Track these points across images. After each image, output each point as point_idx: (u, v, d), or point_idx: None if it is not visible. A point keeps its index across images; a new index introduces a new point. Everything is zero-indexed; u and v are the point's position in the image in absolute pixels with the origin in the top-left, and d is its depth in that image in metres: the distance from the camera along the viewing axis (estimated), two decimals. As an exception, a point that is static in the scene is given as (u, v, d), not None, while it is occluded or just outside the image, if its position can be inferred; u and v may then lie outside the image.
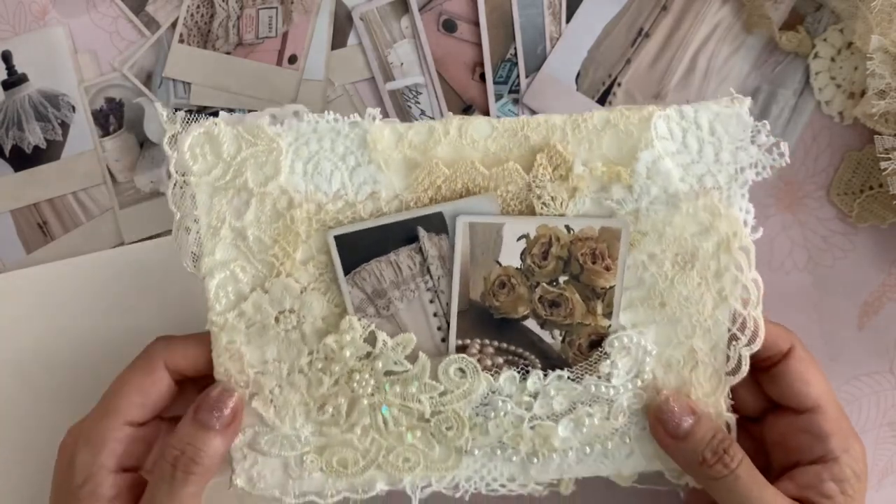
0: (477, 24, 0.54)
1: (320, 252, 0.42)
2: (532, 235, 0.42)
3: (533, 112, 0.54)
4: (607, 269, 0.42)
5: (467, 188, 0.42)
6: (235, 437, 0.42)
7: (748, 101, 0.42)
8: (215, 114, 0.43)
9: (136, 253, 0.54)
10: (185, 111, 0.42)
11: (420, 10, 0.53)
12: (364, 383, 0.42)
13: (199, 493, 0.41)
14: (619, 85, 0.54)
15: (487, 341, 0.43)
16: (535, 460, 0.43)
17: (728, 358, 0.43)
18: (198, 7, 0.54)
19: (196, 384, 0.43)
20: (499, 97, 0.54)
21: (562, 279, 0.42)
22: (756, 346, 0.42)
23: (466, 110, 0.54)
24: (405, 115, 0.54)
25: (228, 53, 0.54)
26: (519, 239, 0.42)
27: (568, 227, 0.42)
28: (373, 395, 0.42)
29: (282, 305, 0.42)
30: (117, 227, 0.55)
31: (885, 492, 0.53)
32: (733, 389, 0.44)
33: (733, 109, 0.42)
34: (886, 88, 0.48)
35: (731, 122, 0.42)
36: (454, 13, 0.54)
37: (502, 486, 0.44)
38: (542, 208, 0.42)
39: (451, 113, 0.43)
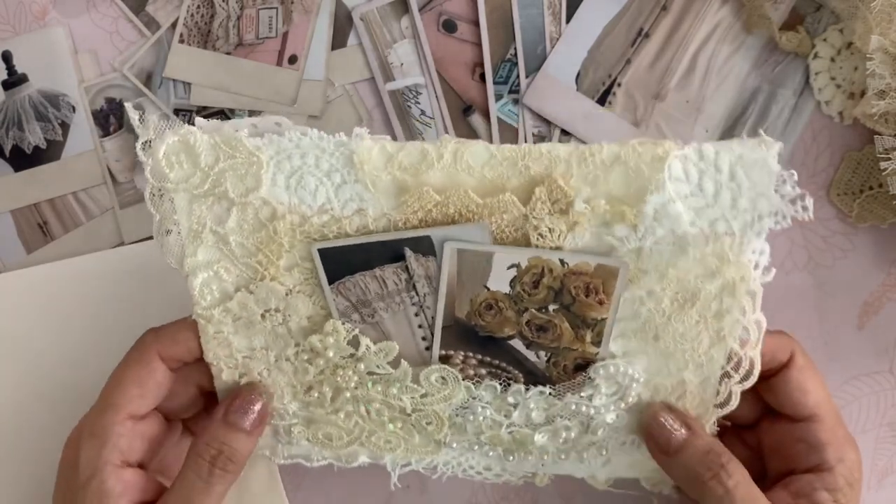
0: (477, 24, 0.54)
1: (305, 260, 0.41)
2: (523, 265, 0.40)
3: (533, 112, 0.54)
4: (601, 302, 0.40)
5: (460, 213, 0.40)
6: (261, 435, 0.43)
7: (778, 145, 0.38)
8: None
9: (136, 253, 0.54)
10: (163, 114, 0.41)
11: (420, 10, 0.53)
12: (348, 378, 0.42)
13: (226, 492, 0.42)
14: (619, 85, 0.54)
15: (471, 353, 0.42)
16: (511, 458, 0.44)
17: (718, 392, 0.41)
18: (198, 7, 0.54)
19: (194, 371, 0.44)
20: (499, 97, 0.54)
21: (552, 307, 0.41)
22: (748, 384, 0.41)
23: (466, 110, 0.54)
24: (405, 116, 0.54)
25: (228, 53, 0.54)
26: (509, 268, 0.40)
27: (562, 261, 0.40)
28: (356, 388, 0.43)
29: (267, 305, 0.42)
30: (117, 227, 0.55)
31: (885, 492, 0.53)
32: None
33: (760, 154, 0.38)
34: (886, 88, 0.48)
35: (755, 168, 0.38)
36: (454, 13, 0.54)
37: (478, 473, 0.45)
38: (538, 239, 0.39)
39: (447, 135, 0.41)
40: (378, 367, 0.42)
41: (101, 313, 0.53)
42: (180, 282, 0.43)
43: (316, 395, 0.43)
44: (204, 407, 0.46)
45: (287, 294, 0.42)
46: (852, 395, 0.53)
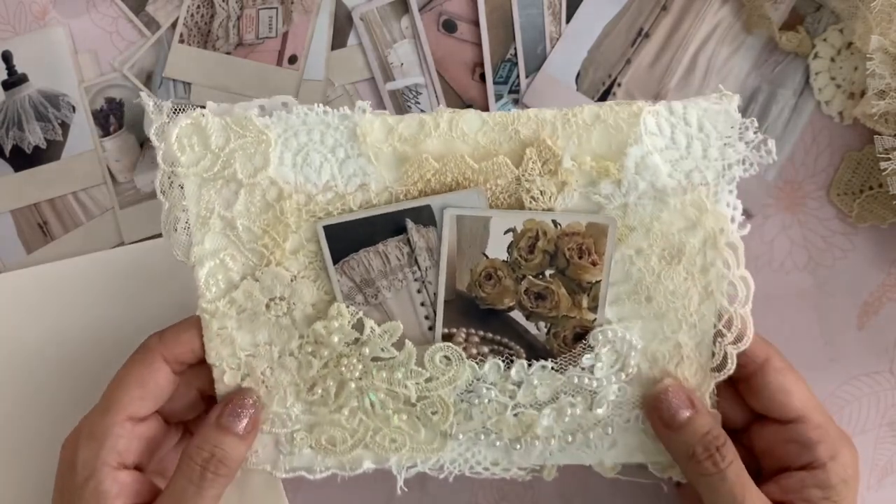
0: (477, 24, 0.54)
1: (310, 241, 0.43)
2: (519, 229, 0.42)
3: (533, 112, 0.54)
4: (594, 264, 0.42)
5: (457, 181, 0.42)
6: (254, 440, 0.43)
7: (736, 97, 0.42)
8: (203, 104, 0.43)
9: (136, 253, 0.54)
10: (173, 102, 0.43)
11: (420, 10, 0.54)
12: (352, 367, 0.43)
13: (220, 495, 0.42)
14: (619, 85, 0.54)
15: (473, 330, 0.43)
16: (518, 446, 0.44)
17: (713, 354, 0.43)
18: (198, 7, 0.54)
19: (195, 374, 0.44)
20: (499, 97, 0.54)
21: (548, 272, 0.43)
22: (744, 346, 0.42)
23: (466, 110, 0.54)
24: (405, 115, 0.54)
25: (228, 53, 0.54)
26: (506, 232, 0.42)
27: (555, 222, 0.42)
28: (360, 378, 0.43)
29: (272, 293, 0.43)
30: (117, 227, 0.55)
31: (885, 492, 0.53)
32: (717, 402, 0.44)
33: (722, 106, 0.42)
34: (886, 88, 0.48)
35: (719, 118, 0.42)
36: (454, 13, 0.54)
37: (486, 469, 0.44)
38: (530, 202, 0.42)
39: (442, 106, 0.43)
40: (382, 350, 0.43)
41: (100, 313, 0.53)
42: (180, 282, 0.43)
43: (320, 391, 0.43)
44: (205, 410, 0.46)
45: (292, 280, 0.43)
46: (852, 395, 0.53)
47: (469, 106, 0.54)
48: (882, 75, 0.48)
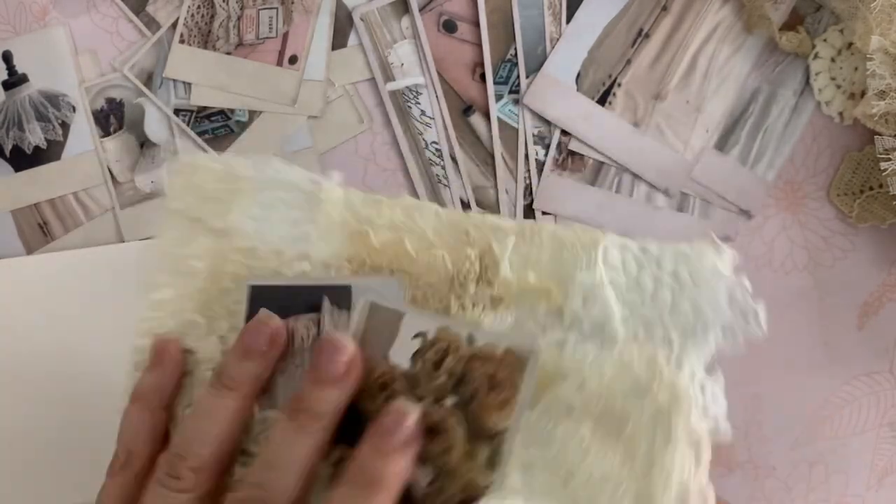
0: (477, 24, 0.54)
1: (238, 303, 0.38)
2: (430, 337, 0.34)
3: (533, 113, 0.54)
4: (503, 405, 0.32)
5: (391, 269, 0.37)
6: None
7: (730, 252, 0.33)
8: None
9: (136, 252, 0.54)
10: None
11: (420, 10, 0.54)
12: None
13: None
14: (619, 85, 0.54)
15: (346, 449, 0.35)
16: None
17: None
18: (198, 7, 0.54)
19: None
20: (499, 97, 0.54)
21: (449, 401, 0.33)
22: None
23: (466, 110, 0.54)
24: (405, 116, 0.54)
25: (229, 54, 0.54)
26: (415, 337, 0.34)
27: (471, 338, 0.33)
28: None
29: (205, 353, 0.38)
30: (117, 227, 0.55)
31: (885, 492, 0.53)
32: None
33: (709, 258, 0.33)
34: (886, 89, 0.48)
35: (703, 271, 0.33)
36: (454, 13, 0.54)
37: None
38: (458, 310, 0.35)
39: (404, 193, 0.38)
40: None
41: (100, 310, 0.53)
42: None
43: None
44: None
45: (221, 337, 0.38)
46: (852, 395, 0.53)
47: (469, 106, 0.54)
48: (882, 76, 0.48)
